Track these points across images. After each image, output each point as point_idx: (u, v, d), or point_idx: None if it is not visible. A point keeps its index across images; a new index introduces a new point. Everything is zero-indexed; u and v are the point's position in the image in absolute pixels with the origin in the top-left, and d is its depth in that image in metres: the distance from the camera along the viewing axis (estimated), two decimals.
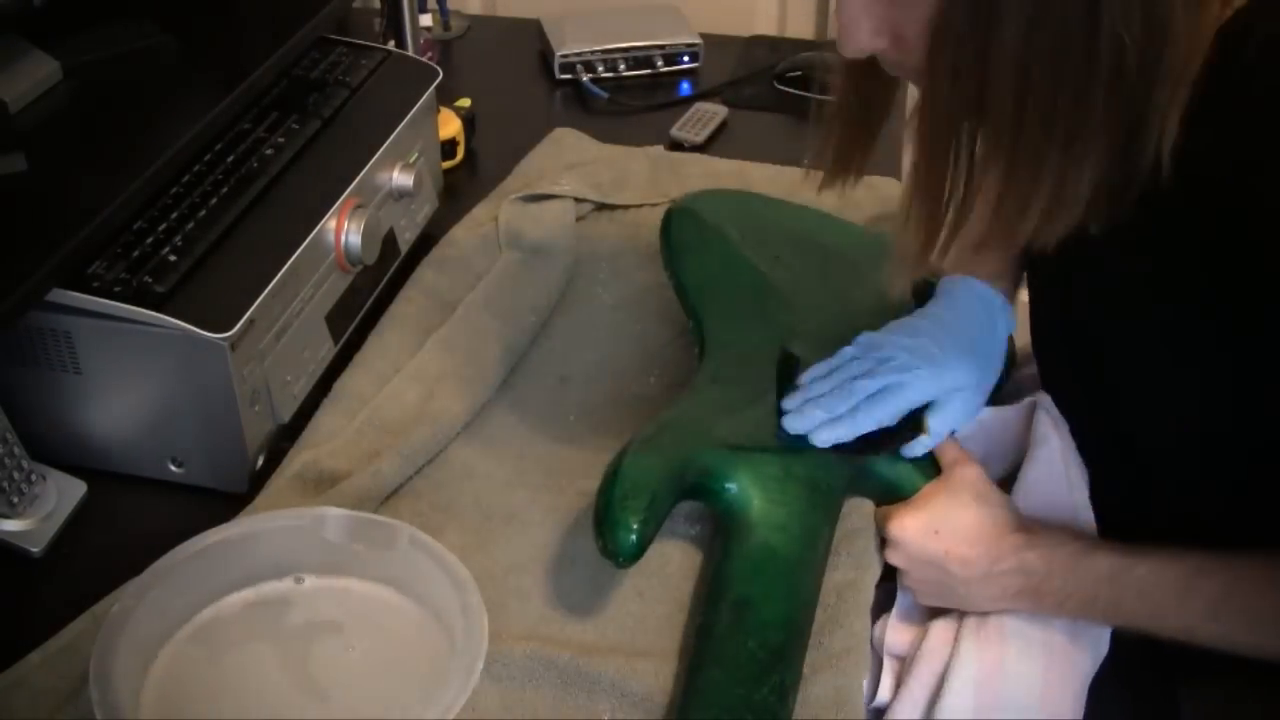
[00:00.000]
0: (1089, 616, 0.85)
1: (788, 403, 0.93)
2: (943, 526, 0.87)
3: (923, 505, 0.88)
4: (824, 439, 0.90)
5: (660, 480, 0.86)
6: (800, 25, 1.83)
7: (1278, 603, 0.79)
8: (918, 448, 0.92)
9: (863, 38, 0.74)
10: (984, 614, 0.87)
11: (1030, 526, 0.87)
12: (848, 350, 0.94)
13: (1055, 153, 0.69)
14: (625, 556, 0.83)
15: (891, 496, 0.92)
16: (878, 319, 0.99)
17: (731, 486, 0.88)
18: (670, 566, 0.91)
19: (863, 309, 1.02)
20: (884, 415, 0.91)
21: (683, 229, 1.11)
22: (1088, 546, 0.85)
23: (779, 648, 0.81)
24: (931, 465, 0.92)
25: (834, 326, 0.99)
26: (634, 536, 0.83)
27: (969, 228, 0.75)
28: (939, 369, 0.92)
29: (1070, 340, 0.92)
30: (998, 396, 0.98)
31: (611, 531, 0.83)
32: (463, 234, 1.23)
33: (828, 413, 0.90)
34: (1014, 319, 0.99)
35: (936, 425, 0.91)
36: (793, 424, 0.91)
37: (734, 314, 1.03)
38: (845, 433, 0.90)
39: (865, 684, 0.85)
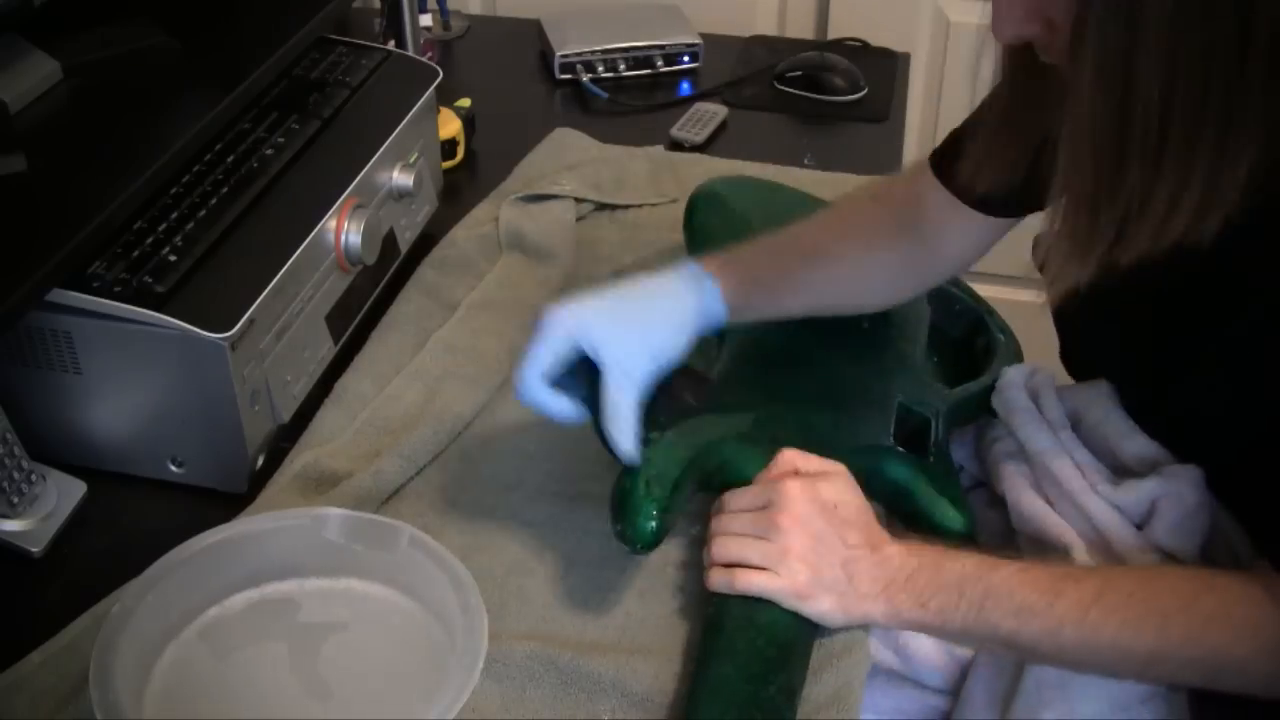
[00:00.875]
0: (951, 623, 0.81)
1: None
2: (839, 501, 0.85)
3: (819, 478, 0.86)
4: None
5: (684, 471, 0.87)
6: (800, 25, 1.83)
7: (1149, 602, 0.78)
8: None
9: (1015, 23, 0.74)
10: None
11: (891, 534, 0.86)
12: None
13: (1207, 145, 0.68)
14: (644, 543, 0.84)
15: (898, 501, 0.92)
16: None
17: (751, 477, 0.89)
18: (671, 566, 0.91)
19: None
20: (543, 365, 0.86)
21: (707, 213, 1.12)
22: (953, 548, 0.84)
23: (788, 645, 0.81)
24: (941, 469, 0.92)
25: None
26: (654, 524, 0.84)
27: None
28: (602, 312, 0.87)
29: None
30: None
31: (632, 517, 0.84)
32: (463, 234, 1.23)
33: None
34: (723, 312, 0.94)
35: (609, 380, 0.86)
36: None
37: None
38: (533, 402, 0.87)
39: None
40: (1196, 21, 0.64)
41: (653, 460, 0.87)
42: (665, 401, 0.90)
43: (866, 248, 1.00)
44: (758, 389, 0.97)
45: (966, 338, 1.08)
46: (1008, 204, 0.92)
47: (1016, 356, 1.04)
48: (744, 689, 0.79)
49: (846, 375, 0.99)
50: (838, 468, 0.88)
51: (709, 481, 0.90)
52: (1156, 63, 0.66)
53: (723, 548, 0.85)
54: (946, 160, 0.95)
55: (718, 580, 0.84)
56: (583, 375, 0.87)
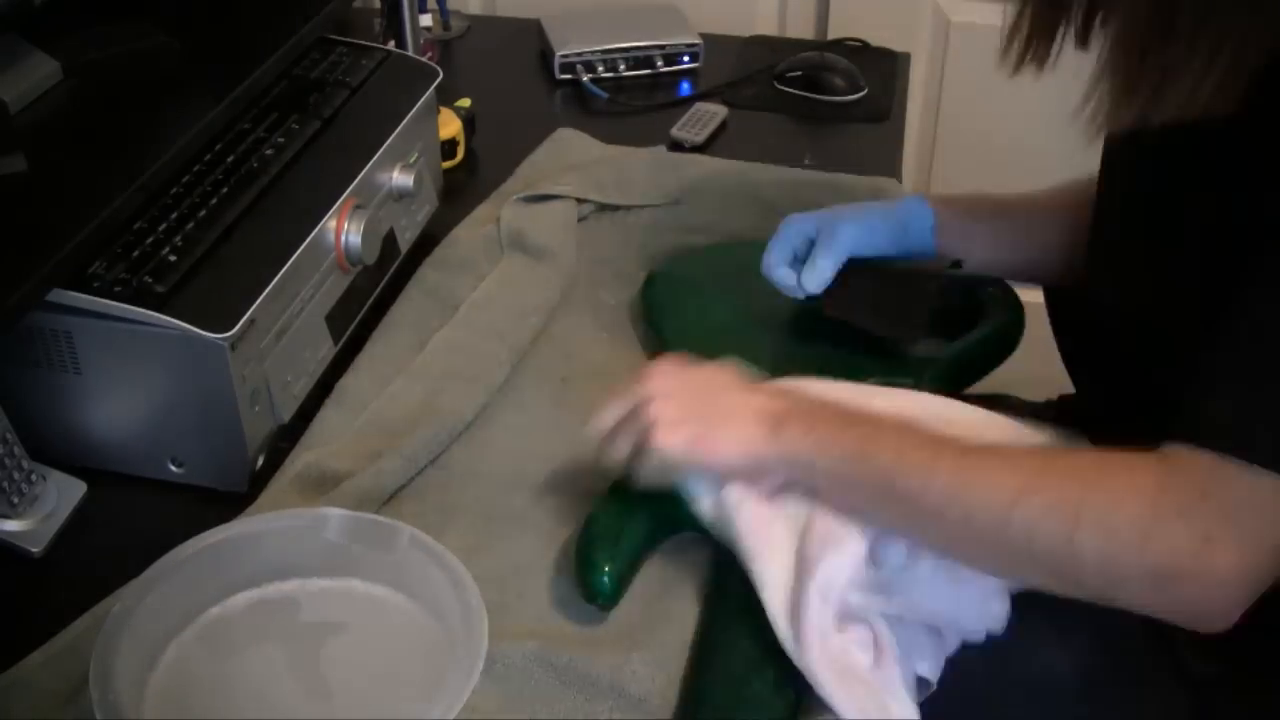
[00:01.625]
0: (831, 453, 0.82)
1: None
2: (701, 372, 0.89)
3: (677, 366, 0.90)
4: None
5: (628, 521, 0.89)
6: (800, 25, 1.83)
7: (1031, 454, 0.79)
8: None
9: None
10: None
11: None
12: None
13: (1243, 14, 0.72)
14: (603, 598, 0.86)
15: None
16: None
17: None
18: (671, 569, 0.91)
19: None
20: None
21: (659, 292, 1.15)
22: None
23: (773, 642, 0.81)
24: None
25: (821, 346, 1.04)
26: (605, 578, 0.85)
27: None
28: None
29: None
30: None
31: (585, 574, 0.86)
32: (464, 234, 1.23)
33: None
34: (929, 216, 1.06)
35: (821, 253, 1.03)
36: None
37: (713, 354, 1.02)
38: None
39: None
40: None
41: (600, 518, 0.89)
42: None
43: (1058, 219, 1.05)
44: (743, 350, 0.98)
45: (962, 305, 1.08)
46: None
47: (1008, 307, 1.06)
48: (727, 691, 0.80)
49: (823, 349, 1.03)
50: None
51: (669, 525, 0.90)
52: None
53: (604, 451, 0.88)
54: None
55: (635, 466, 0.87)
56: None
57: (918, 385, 0.97)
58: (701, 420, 0.85)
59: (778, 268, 1.05)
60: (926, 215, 1.06)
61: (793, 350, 1.07)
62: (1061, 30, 0.86)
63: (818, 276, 1.03)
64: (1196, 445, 0.73)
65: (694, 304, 1.13)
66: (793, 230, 1.05)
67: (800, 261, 1.05)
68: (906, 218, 1.06)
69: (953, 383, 1.01)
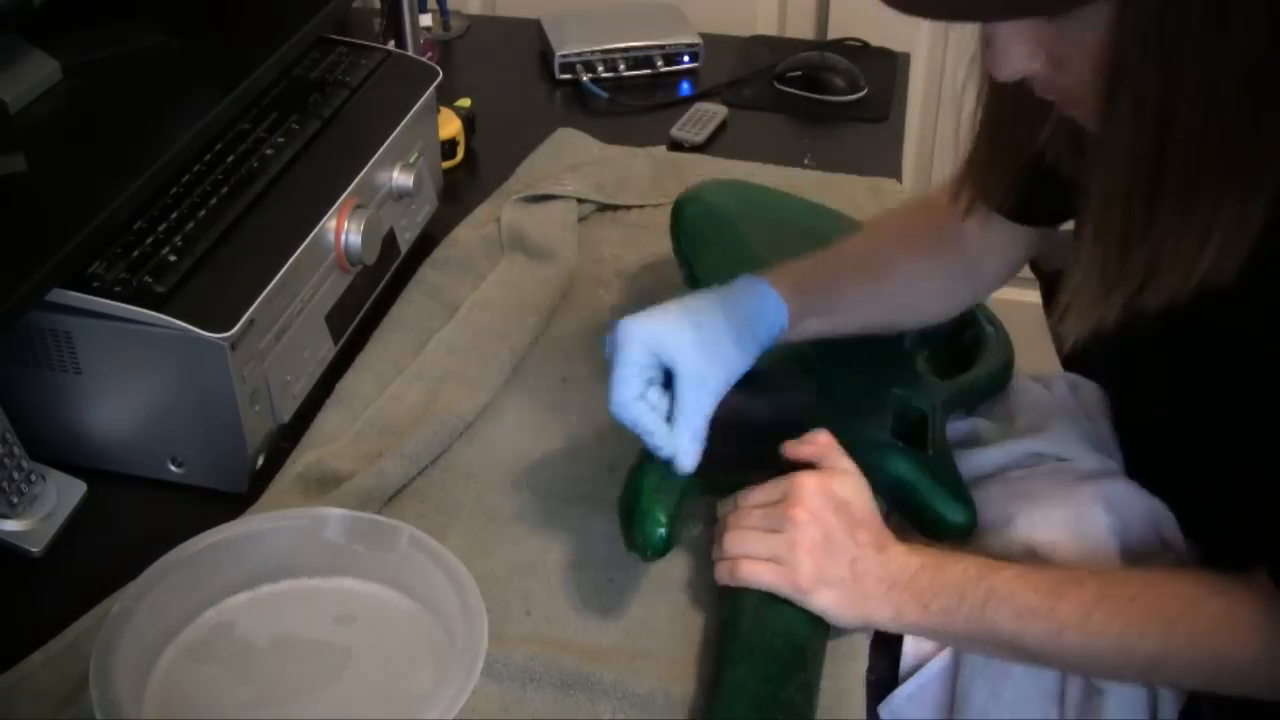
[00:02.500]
0: (953, 625, 0.81)
1: None
2: (852, 500, 0.85)
3: (833, 475, 0.86)
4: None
5: (690, 478, 0.87)
6: (800, 25, 1.83)
7: (1152, 605, 0.78)
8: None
9: (1018, 61, 0.69)
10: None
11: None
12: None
13: (1237, 180, 0.66)
14: (654, 550, 0.84)
15: (901, 496, 0.91)
16: None
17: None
18: (673, 569, 0.91)
19: None
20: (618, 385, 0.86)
21: (693, 218, 1.11)
22: (954, 550, 0.85)
23: (803, 644, 0.82)
24: (941, 462, 0.93)
25: None
26: (663, 530, 0.84)
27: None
28: (661, 322, 0.87)
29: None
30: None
31: (641, 524, 0.84)
32: (465, 234, 1.23)
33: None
34: (784, 320, 0.92)
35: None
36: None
37: None
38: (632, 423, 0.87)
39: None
40: (1234, 55, 0.63)
41: (657, 466, 0.87)
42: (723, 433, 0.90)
43: (914, 264, 0.99)
44: (756, 393, 0.97)
45: (954, 331, 1.08)
46: (1035, 214, 0.92)
47: (1005, 347, 1.04)
48: (764, 690, 0.79)
49: (841, 375, 0.99)
50: (852, 466, 0.88)
51: (714, 486, 0.90)
52: (1195, 113, 0.64)
53: (733, 541, 0.85)
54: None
55: (721, 573, 0.85)
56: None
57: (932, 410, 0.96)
58: (831, 569, 0.83)
59: (636, 409, 0.86)
60: (775, 306, 0.93)
61: None
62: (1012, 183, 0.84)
63: (691, 438, 0.87)
64: None
65: (727, 238, 1.09)
66: (638, 357, 0.86)
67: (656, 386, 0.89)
68: (753, 314, 0.92)
69: (953, 410, 1.00)
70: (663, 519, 0.84)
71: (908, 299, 1.00)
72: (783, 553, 0.83)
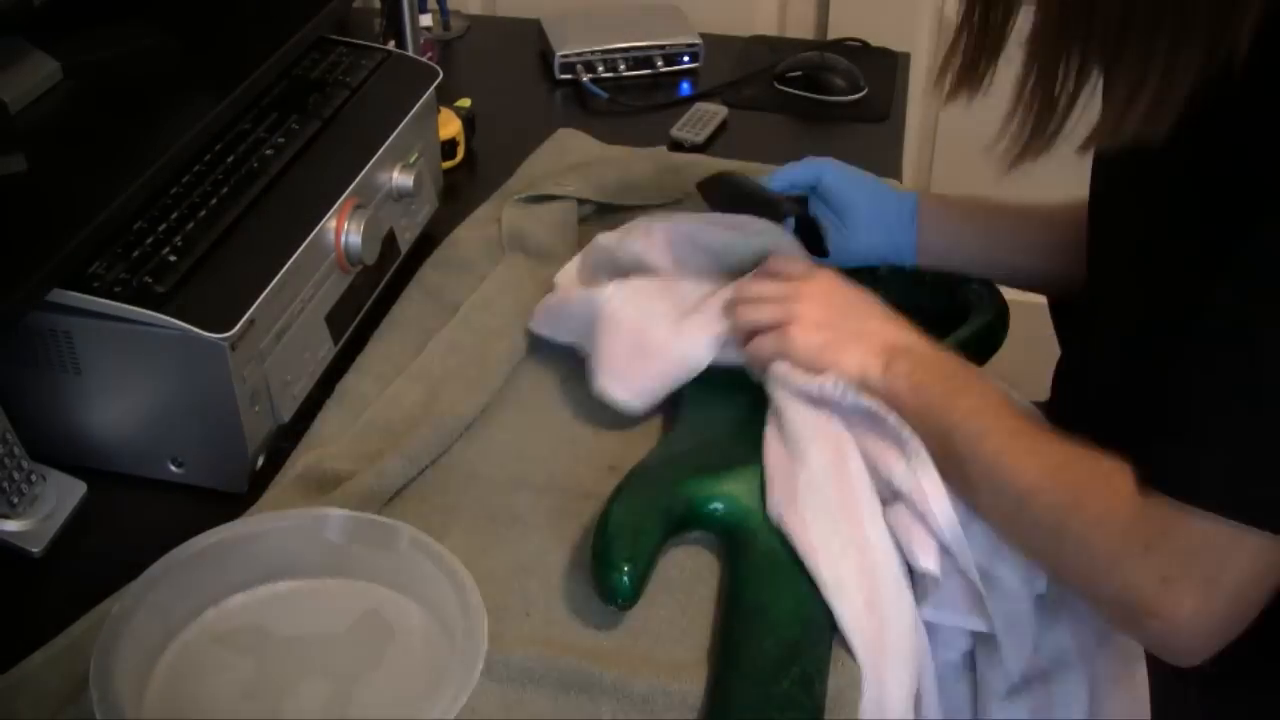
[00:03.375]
0: (923, 397, 0.87)
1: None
2: (854, 298, 0.95)
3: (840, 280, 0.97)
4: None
5: (645, 518, 0.88)
6: (800, 25, 1.83)
7: (1052, 442, 0.82)
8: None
9: None
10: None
11: None
12: None
13: (1161, 49, 0.71)
14: (622, 597, 0.84)
15: None
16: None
17: (718, 505, 0.90)
18: (674, 570, 0.90)
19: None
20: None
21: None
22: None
23: (794, 641, 0.82)
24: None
25: None
26: (625, 578, 0.84)
27: (1076, 129, 0.79)
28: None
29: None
30: None
31: (604, 574, 0.85)
32: (465, 235, 1.23)
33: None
34: (913, 208, 1.08)
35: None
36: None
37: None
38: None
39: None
40: None
41: (616, 515, 0.88)
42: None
43: (1055, 231, 1.07)
44: (716, 418, 0.98)
45: (947, 292, 1.09)
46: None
47: (995, 302, 1.06)
48: (753, 692, 0.79)
49: None
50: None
51: (678, 524, 0.90)
52: None
53: (742, 313, 0.94)
54: None
55: (752, 352, 0.95)
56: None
57: None
58: (836, 330, 0.92)
59: (782, 179, 1.11)
60: (909, 199, 1.09)
61: None
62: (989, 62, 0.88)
63: (783, 176, 1.10)
64: (1156, 487, 0.75)
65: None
66: (812, 169, 1.11)
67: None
68: (893, 198, 1.09)
69: None
70: (625, 568, 0.85)
71: (1034, 260, 1.09)
72: (791, 318, 0.92)
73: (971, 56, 0.86)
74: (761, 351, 0.93)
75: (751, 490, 0.90)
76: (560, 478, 0.99)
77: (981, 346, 1.04)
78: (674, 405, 1.02)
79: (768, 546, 0.87)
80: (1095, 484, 0.78)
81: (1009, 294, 1.15)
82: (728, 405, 0.99)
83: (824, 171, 1.10)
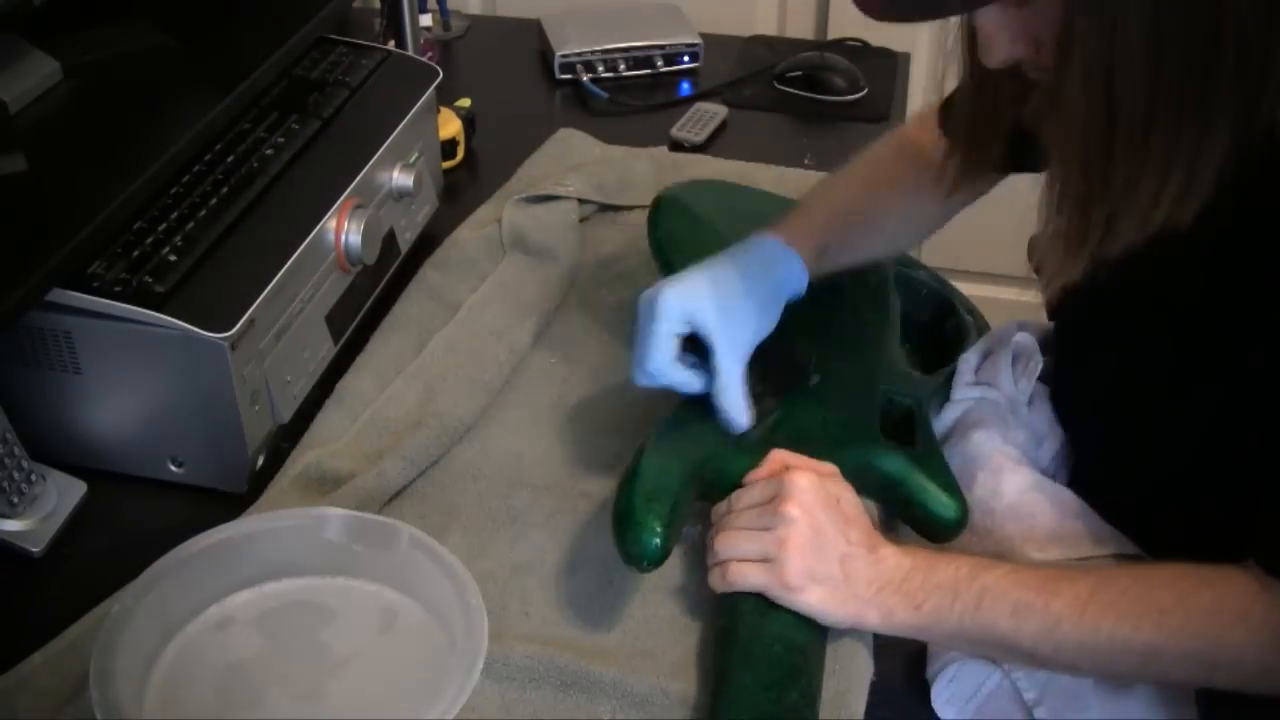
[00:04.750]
0: (945, 624, 0.81)
1: None
2: (843, 498, 0.85)
3: (826, 474, 0.87)
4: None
5: (681, 482, 0.86)
6: (800, 25, 1.83)
7: (1145, 597, 0.78)
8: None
9: (1003, 48, 0.76)
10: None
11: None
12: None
13: (1187, 140, 0.71)
14: (650, 560, 0.83)
15: (892, 493, 0.92)
16: (863, 300, 1.03)
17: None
18: (672, 568, 0.90)
19: (852, 295, 1.05)
20: (649, 352, 0.91)
21: (671, 220, 1.11)
22: (945, 551, 0.85)
23: (803, 648, 0.81)
24: (930, 457, 0.92)
25: (826, 309, 1.01)
26: (658, 540, 0.83)
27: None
28: (692, 291, 0.92)
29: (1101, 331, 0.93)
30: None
31: (635, 535, 0.83)
32: (466, 235, 1.23)
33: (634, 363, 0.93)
34: (804, 283, 0.98)
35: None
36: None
37: None
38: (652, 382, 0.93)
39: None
40: (1175, 31, 0.68)
41: (648, 475, 0.86)
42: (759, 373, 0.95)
43: (904, 202, 1.06)
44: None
45: (934, 322, 1.09)
46: (1004, 165, 0.97)
47: (985, 330, 1.05)
48: (765, 697, 0.78)
49: (829, 372, 0.99)
50: (831, 468, 0.88)
51: (707, 491, 0.89)
52: (1139, 70, 0.69)
53: (724, 543, 0.85)
54: (948, 115, 1.02)
55: (714, 579, 0.85)
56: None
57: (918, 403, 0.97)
58: (821, 566, 0.82)
59: (671, 368, 0.93)
60: (794, 264, 0.98)
61: (798, 306, 1.00)
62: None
63: (739, 402, 0.93)
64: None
65: (702, 236, 1.08)
66: (673, 323, 0.92)
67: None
68: (776, 275, 0.97)
69: (943, 402, 1.00)
70: (658, 528, 0.83)
71: (900, 234, 1.08)
72: (773, 550, 0.82)
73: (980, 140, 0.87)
74: (748, 581, 0.83)
75: None
76: (560, 478, 0.99)
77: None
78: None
79: None
80: (1218, 609, 0.78)
81: (1008, 293, 1.16)
82: (760, 368, 0.96)
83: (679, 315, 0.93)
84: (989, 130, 0.90)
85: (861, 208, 1.05)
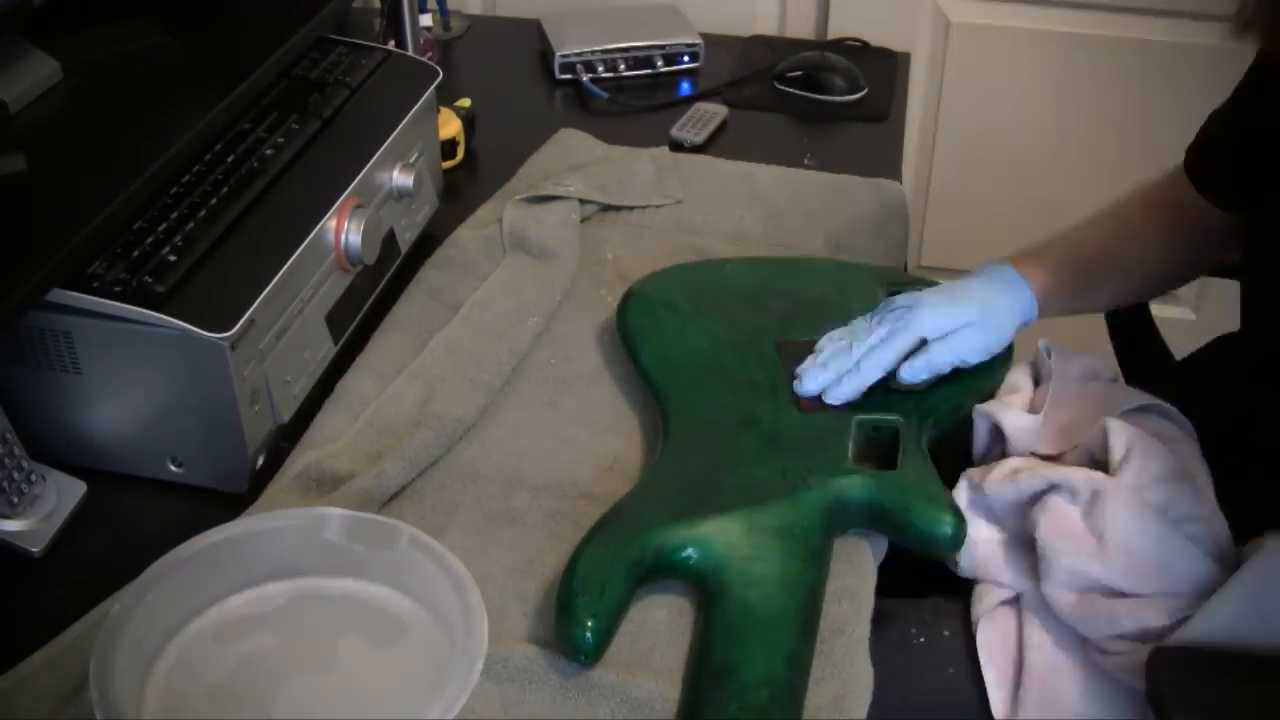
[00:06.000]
0: None
1: (801, 368, 0.97)
2: None
3: None
4: (836, 396, 0.96)
5: (611, 569, 0.85)
6: (800, 25, 1.83)
7: None
8: (918, 368, 0.96)
9: None
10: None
11: None
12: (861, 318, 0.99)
13: None
14: (585, 653, 0.82)
15: (878, 520, 0.90)
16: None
17: (691, 553, 0.87)
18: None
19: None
20: (888, 356, 0.95)
21: (635, 313, 1.10)
22: None
23: (761, 707, 0.79)
24: (914, 475, 0.91)
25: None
26: (588, 633, 0.81)
27: None
28: (946, 301, 0.96)
29: None
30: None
31: (568, 628, 0.82)
32: (466, 235, 1.23)
33: (835, 372, 0.96)
34: (1034, 310, 1.00)
35: (938, 351, 0.96)
36: (802, 387, 0.96)
37: (692, 386, 1.01)
38: (853, 387, 0.96)
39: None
40: None
41: (578, 569, 0.85)
42: None
43: (1148, 251, 1.06)
44: (697, 458, 0.95)
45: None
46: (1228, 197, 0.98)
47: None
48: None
49: (794, 419, 0.97)
50: None
51: (649, 573, 0.87)
52: None
53: None
54: (1199, 162, 1.02)
55: None
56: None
57: (909, 424, 0.96)
58: None
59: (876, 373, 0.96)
60: (1016, 291, 1.00)
61: (775, 380, 1.00)
62: None
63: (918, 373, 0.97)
64: None
65: (673, 327, 1.07)
66: (910, 335, 0.96)
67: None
68: (1008, 307, 1.00)
69: (940, 424, 0.98)
70: (587, 622, 0.82)
71: (1143, 285, 1.11)
72: None
73: None
74: None
75: (728, 539, 0.87)
76: (559, 478, 0.99)
77: (982, 391, 1.00)
78: (664, 417, 1.00)
79: (742, 601, 0.84)
80: None
81: None
82: (712, 435, 0.96)
83: (924, 326, 0.97)
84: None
85: (1104, 256, 1.06)
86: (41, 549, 0.91)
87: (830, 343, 0.99)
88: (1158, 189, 1.07)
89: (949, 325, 0.96)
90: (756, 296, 1.11)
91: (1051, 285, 1.01)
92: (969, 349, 0.97)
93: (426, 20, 1.59)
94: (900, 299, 0.98)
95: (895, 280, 1.12)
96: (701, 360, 1.04)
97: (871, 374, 0.96)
